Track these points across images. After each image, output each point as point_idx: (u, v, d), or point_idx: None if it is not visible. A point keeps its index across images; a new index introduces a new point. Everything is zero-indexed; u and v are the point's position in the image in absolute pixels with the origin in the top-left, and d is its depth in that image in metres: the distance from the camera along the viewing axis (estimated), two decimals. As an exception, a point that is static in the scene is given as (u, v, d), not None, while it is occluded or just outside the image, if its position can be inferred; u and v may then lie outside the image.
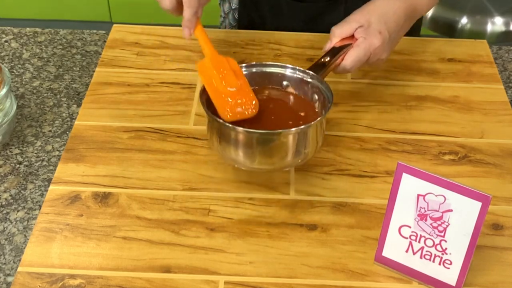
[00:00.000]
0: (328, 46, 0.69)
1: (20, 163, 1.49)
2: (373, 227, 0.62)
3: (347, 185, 0.66)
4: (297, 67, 0.67)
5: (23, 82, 1.69)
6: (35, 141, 1.54)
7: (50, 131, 1.56)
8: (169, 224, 0.62)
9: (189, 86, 0.77)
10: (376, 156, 0.69)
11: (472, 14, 1.45)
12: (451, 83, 0.79)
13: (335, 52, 0.68)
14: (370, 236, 0.62)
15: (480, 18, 1.44)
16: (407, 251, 0.58)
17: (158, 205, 0.64)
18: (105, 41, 1.85)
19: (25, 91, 1.66)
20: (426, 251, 0.57)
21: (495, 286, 0.59)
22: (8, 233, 1.34)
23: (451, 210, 0.54)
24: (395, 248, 0.58)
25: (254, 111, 0.63)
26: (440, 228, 0.55)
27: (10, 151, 1.53)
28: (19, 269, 0.60)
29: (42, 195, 1.42)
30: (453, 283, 0.57)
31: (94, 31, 1.88)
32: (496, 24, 1.41)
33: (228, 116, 0.61)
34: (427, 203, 0.55)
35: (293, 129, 0.60)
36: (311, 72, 0.66)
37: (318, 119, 0.61)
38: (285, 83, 0.67)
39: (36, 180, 1.46)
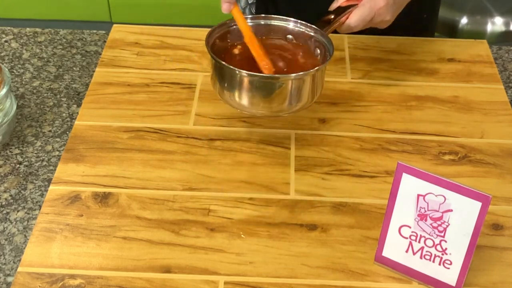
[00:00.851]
0: (335, 5, 0.70)
1: (20, 163, 1.49)
2: (373, 227, 0.62)
3: (347, 185, 0.66)
4: (300, 21, 0.69)
5: (23, 82, 1.69)
6: (35, 141, 1.54)
7: (50, 131, 1.56)
8: (169, 224, 0.62)
9: (189, 86, 0.77)
10: (376, 156, 0.69)
11: (472, 14, 1.45)
12: (451, 83, 0.79)
13: (341, 11, 0.70)
14: (370, 236, 0.62)
15: (480, 18, 1.44)
16: (407, 251, 0.58)
17: (158, 205, 0.64)
18: (105, 41, 1.85)
19: (25, 91, 1.66)
20: (426, 251, 0.57)
21: (495, 286, 0.59)
22: (8, 233, 1.34)
23: (451, 210, 0.54)
24: (395, 248, 0.58)
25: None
26: (440, 228, 0.55)
27: (10, 151, 1.53)
28: (19, 269, 0.60)
29: (42, 195, 1.42)
30: (453, 283, 0.56)
31: (94, 31, 1.88)
32: (496, 24, 1.41)
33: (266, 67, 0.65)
34: (427, 203, 0.55)
35: (293, 74, 0.64)
36: (314, 27, 0.69)
37: (317, 68, 0.64)
38: (289, 36, 0.69)
39: (36, 180, 1.46)
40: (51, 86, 1.74)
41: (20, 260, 0.94)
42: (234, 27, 0.67)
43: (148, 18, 1.68)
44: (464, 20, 1.38)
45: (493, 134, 0.73)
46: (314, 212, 0.64)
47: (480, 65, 0.82)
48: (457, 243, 0.55)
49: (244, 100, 0.62)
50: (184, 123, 0.72)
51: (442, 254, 0.56)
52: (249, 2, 0.88)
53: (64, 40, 1.90)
